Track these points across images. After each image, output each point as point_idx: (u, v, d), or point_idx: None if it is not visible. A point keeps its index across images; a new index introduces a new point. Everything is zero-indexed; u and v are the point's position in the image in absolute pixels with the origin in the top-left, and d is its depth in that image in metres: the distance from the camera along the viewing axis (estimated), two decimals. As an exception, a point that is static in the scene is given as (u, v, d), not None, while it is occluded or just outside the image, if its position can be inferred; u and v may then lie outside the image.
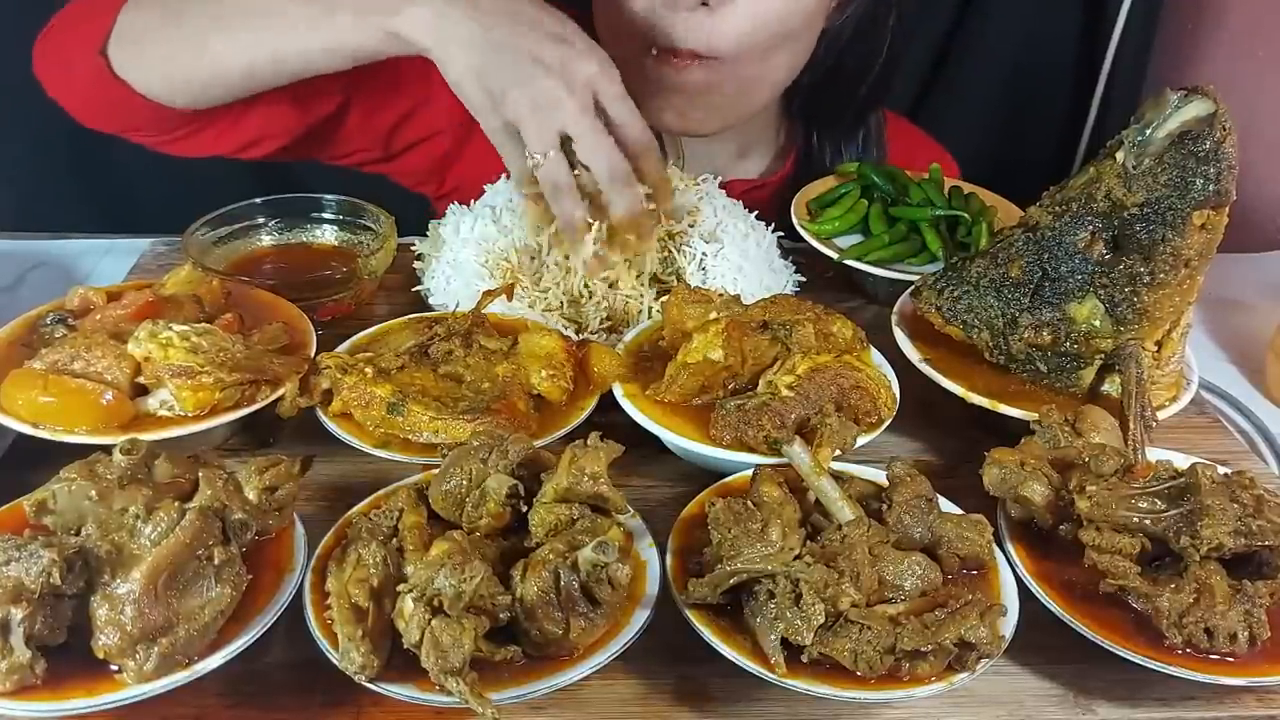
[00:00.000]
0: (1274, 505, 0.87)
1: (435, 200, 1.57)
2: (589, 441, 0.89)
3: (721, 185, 1.42)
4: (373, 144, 1.51)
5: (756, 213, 1.41)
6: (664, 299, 1.18)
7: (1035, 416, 1.02)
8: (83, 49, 1.26)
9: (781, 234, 1.41)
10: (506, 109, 1.09)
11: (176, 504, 0.80)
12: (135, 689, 0.74)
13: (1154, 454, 1.00)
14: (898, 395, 1.08)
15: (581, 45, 1.10)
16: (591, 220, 1.15)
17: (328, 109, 1.38)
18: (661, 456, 1.08)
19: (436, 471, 0.89)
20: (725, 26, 1.32)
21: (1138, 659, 0.82)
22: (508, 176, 1.38)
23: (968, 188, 1.50)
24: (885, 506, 0.90)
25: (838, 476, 0.94)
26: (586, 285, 1.25)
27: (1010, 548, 0.92)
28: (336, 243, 1.39)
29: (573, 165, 1.11)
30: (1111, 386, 1.09)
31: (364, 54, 1.18)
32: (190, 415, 0.99)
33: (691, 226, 1.32)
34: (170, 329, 0.99)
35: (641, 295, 1.25)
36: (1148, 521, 0.88)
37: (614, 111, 1.11)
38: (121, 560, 0.77)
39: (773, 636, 0.79)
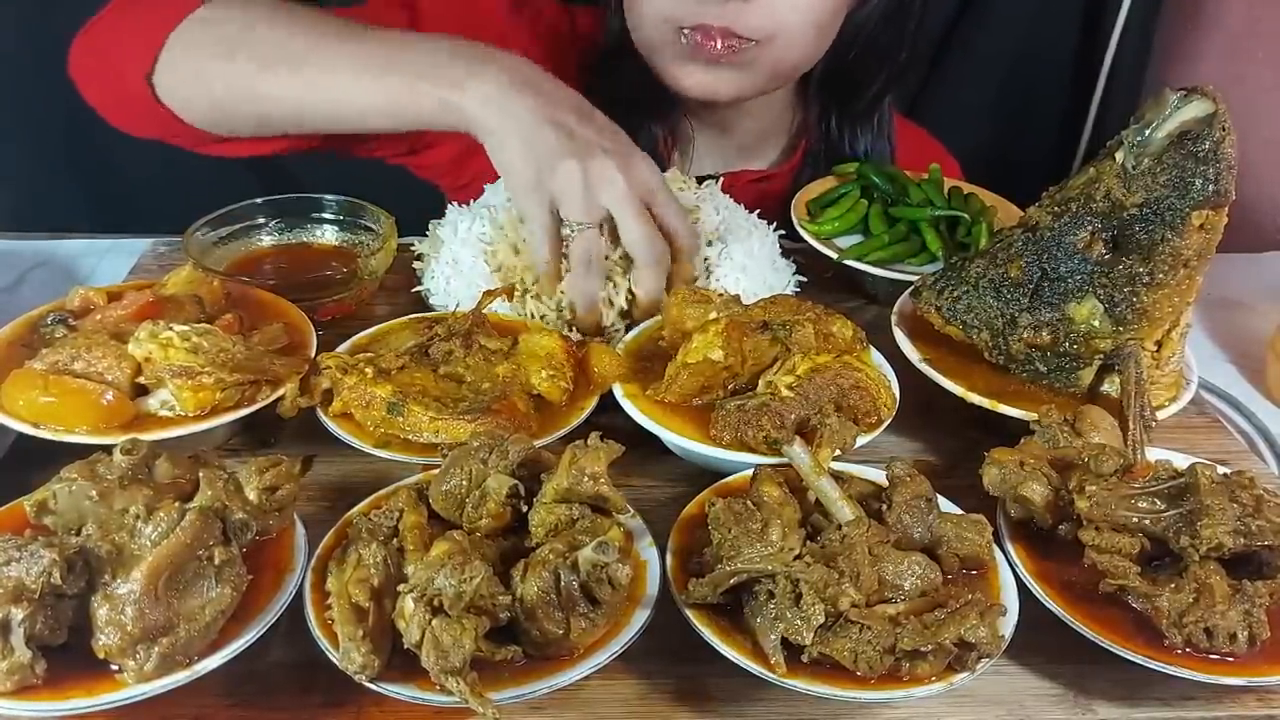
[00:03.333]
0: (1274, 505, 0.87)
1: (451, 191, 1.58)
2: (589, 441, 0.89)
3: (732, 176, 1.42)
4: (400, 139, 1.52)
5: (759, 210, 1.41)
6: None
7: (1035, 416, 1.02)
8: (130, 69, 1.26)
9: (782, 233, 1.41)
10: (556, 179, 1.11)
11: (177, 504, 0.80)
12: (135, 689, 0.74)
13: (1154, 454, 1.00)
14: (897, 395, 1.08)
15: (640, 151, 1.14)
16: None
17: None
18: (661, 456, 1.08)
19: (436, 471, 0.89)
20: (760, 13, 1.34)
21: (1138, 659, 0.82)
22: None
23: (968, 188, 1.50)
24: (885, 506, 0.90)
25: (838, 476, 0.94)
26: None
27: (1010, 548, 0.92)
28: (337, 243, 1.40)
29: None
30: (1111, 386, 1.09)
31: (418, 123, 1.20)
32: (190, 415, 0.99)
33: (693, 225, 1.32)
34: (170, 329, 0.99)
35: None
36: (1147, 521, 0.88)
37: (664, 214, 1.14)
38: (122, 560, 0.77)
39: (773, 636, 0.79)
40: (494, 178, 1.38)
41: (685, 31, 1.37)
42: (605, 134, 1.15)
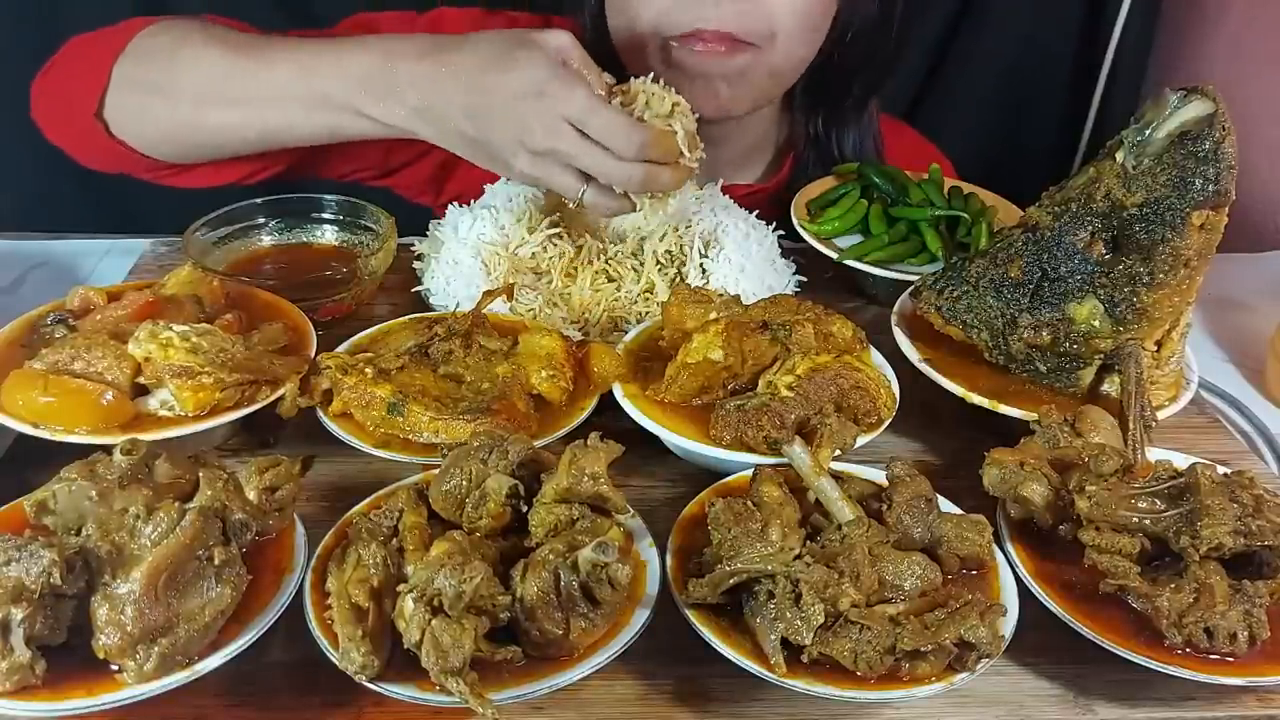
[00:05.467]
0: (1273, 505, 0.87)
1: (438, 209, 1.58)
2: (589, 441, 0.89)
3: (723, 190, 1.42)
4: (368, 164, 1.52)
5: (757, 212, 1.41)
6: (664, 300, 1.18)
7: (1035, 416, 1.02)
8: (80, 108, 1.29)
9: (782, 233, 1.41)
10: (522, 179, 1.17)
11: (177, 504, 0.80)
12: (135, 689, 0.74)
13: (1154, 454, 1.00)
14: (897, 395, 1.08)
15: (551, 85, 1.11)
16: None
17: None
18: (661, 456, 1.08)
19: (436, 471, 0.89)
20: (759, 14, 1.31)
21: (1138, 659, 0.82)
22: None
23: (968, 188, 1.50)
24: (885, 506, 0.90)
25: (838, 476, 0.94)
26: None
27: (1010, 548, 0.92)
28: (337, 243, 1.40)
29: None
30: (1111, 386, 1.09)
31: (357, 137, 1.25)
32: (190, 415, 0.99)
33: (689, 227, 1.32)
34: (170, 329, 0.99)
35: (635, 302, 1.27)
36: (1147, 521, 0.88)
37: (598, 134, 1.12)
38: (122, 560, 0.77)
39: (773, 636, 0.79)
40: (475, 194, 1.39)
41: (674, 43, 1.33)
42: (515, 98, 1.12)
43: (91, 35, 1.34)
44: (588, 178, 1.15)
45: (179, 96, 1.26)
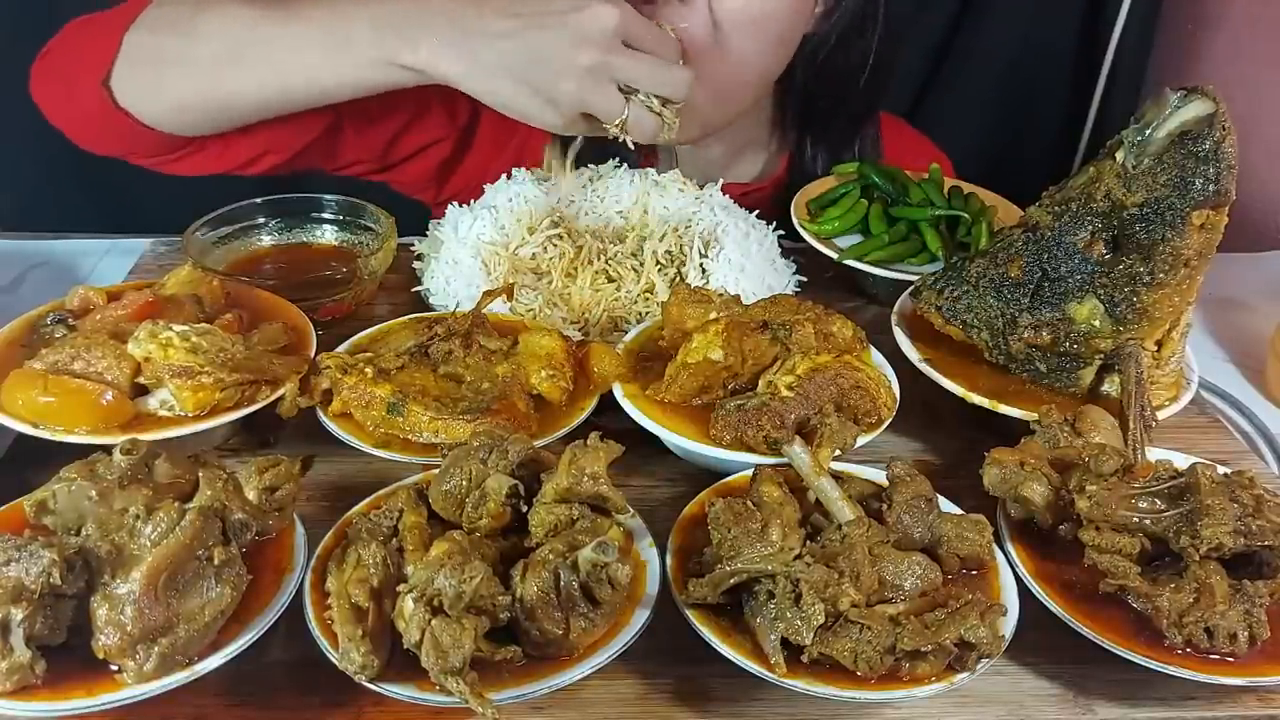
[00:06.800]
0: (1274, 505, 0.87)
1: (434, 207, 1.57)
2: (589, 441, 0.89)
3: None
4: (370, 155, 1.51)
5: (757, 212, 1.41)
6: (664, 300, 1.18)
7: (1035, 416, 1.02)
8: (86, 79, 1.27)
9: (781, 233, 1.41)
10: (564, 107, 1.14)
11: (177, 504, 0.80)
12: (135, 689, 0.74)
13: (1154, 454, 1.00)
14: (898, 395, 1.08)
15: (583, 6, 1.11)
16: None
17: (322, 125, 1.38)
18: (661, 456, 1.08)
19: (436, 471, 0.89)
20: (696, 16, 1.29)
21: (1138, 659, 0.82)
22: (508, 176, 1.39)
23: (967, 187, 1.50)
24: (885, 506, 0.90)
25: (838, 476, 0.94)
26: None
27: (1010, 548, 0.92)
28: (337, 243, 1.40)
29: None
30: (1111, 386, 1.09)
31: (380, 88, 1.22)
32: (190, 415, 0.99)
33: (689, 227, 1.32)
34: (170, 329, 0.99)
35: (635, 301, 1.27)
36: (1148, 521, 0.88)
37: (647, 43, 1.13)
38: (121, 560, 0.77)
39: (773, 636, 0.79)
40: (475, 194, 1.39)
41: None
42: (548, 25, 1.11)
43: (93, 15, 1.32)
44: (624, 100, 1.15)
45: (197, 60, 1.23)
